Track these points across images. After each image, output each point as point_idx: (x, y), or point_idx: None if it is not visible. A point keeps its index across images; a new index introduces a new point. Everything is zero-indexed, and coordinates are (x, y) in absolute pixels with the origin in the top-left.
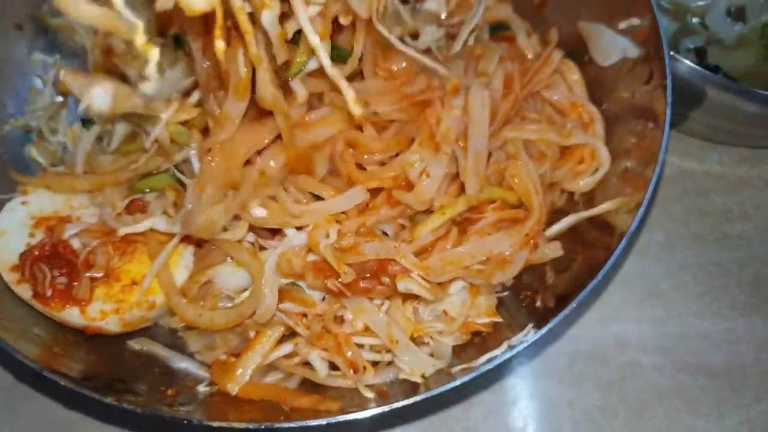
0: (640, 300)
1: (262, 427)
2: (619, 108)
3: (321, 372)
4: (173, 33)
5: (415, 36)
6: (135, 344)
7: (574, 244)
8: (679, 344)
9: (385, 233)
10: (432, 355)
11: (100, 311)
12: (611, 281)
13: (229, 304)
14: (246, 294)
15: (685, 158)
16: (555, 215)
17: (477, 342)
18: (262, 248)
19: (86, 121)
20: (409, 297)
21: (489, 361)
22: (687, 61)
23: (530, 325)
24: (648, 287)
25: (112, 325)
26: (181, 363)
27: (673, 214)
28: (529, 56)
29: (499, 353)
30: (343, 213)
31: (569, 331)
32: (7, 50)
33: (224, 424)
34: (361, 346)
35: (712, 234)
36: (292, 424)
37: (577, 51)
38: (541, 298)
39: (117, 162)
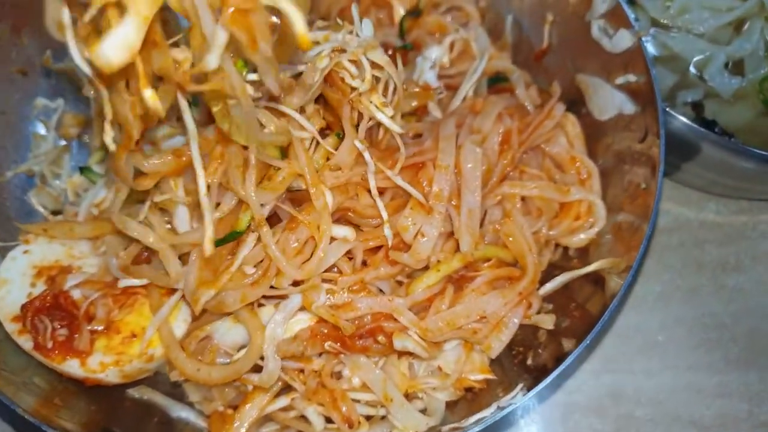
0: (636, 352)
1: None
2: (614, 163)
3: (317, 426)
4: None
5: None
6: (135, 392)
7: (566, 300)
8: (672, 397)
9: (381, 291)
10: (425, 410)
11: (100, 363)
12: (607, 333)
13: (227, 360)
14: (243, 351)
15: (682, 207)
16: (549, 269)
17: (469, 398)
18: (260, 305)
19: (84, 169)
20: (404, 353)
21: (478, 422)
22: (683, 118)
23: (520, 386)
24: (643, 339)
25: (111, 376)
26: (181, 412)
27: (670, 265)
28: (529, 108)
29: (489, 414)
30: (338, 272)
31: (565, 382)
32: (10, 96)
33: None
34: (356, 401)
35: (708, 286)
36: None
37: (574, 104)
38: (532, 356)
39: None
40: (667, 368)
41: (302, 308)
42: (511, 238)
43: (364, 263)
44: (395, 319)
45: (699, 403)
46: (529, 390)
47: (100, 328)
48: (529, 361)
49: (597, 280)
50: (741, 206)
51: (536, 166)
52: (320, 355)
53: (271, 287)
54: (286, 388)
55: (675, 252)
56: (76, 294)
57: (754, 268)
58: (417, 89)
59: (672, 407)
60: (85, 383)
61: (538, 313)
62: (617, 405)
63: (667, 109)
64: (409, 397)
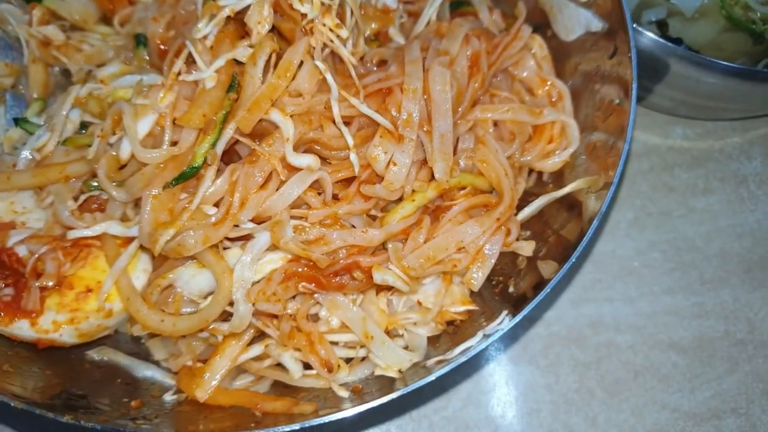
0: (613, 279)
1: None
2: (584, 83)
3: (295, 373)
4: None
5: None
6: (95, 354)
7: (543, 227)
8: (650, 322)
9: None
10: (407, 347)
11: (53, 322)
12: (583, 261)
13: (194, 309)
14: (211, 299)
15: (649, 133)
16: (524, 197)
17: (451, 331)
18: (225, 248)
19: (20, 120)
20: (382, 289)
21: (464, 351)
22: (650, 34)
23: (504, 313)
24: (620, 266)
25: (66, 336)
26: (146, 371)
27: (641, 191)
28: (494, 32)
29: (475, 343)
30: (308, 207)
31: (544, 314)
32: None
33: None
34: (334, 343)
35: (679, 209)
36: (265, 431)
37: (539, 27)
38: (513, 284)
39: (67, 154)
40: (644, 293)
41: (272, 248)
42: (485, 164)
43: (336, 198)
44: (372, 254)
45: (677, 325)
46: (513, 316)
47: (51, 284)
48: (511, 289)
49: (573, 204)
50: (707, 129)
51: (506, 89)
52: (294, 297)
53: (235, 227)
54: (260, 336)
55: (645, 177)
56: (21, 251)
57: (722, 189)
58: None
59: (651, 332)
60: (37, 346)
61: (517, 240)
62: (597, 333)
63: (635, 26)
64: (389, 334)
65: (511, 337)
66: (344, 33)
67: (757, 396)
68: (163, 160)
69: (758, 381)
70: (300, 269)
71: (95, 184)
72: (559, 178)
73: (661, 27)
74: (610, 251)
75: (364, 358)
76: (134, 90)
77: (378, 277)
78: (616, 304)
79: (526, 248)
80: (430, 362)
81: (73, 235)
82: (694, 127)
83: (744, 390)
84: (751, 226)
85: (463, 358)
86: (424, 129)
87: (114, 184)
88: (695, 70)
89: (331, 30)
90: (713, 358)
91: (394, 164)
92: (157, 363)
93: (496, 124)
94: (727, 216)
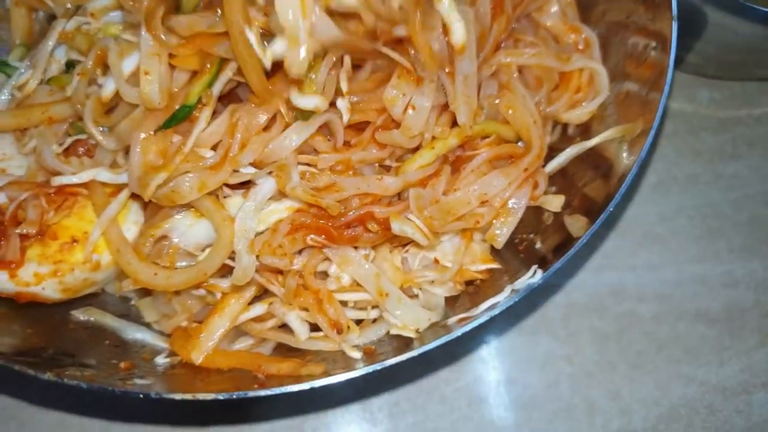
0: (636, 246)
1: (234, 396)
2: (613, 31)
3: (301, 334)
4: None
5: None
6: (80, 314)
7: (570, 184)
8: (676, 291)
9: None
10: (423, 307)
11: (35, 274)
12: (605, 227)
13: (189, 262)
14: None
15: (674, 96)
16: (548, 152)
17: (471, 291)
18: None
19: (0, 63)
20: (396, 246)
21: (490, 308)
22: None
23: (535, 267)
24: (643, 232)
25: (49, 290)
26: (136, 333)
27: (665, 154)
28: None
29: (502, 299)
30: (316, 153)
31: (563, 282)
32: None
33: (188, 396)
34: (344, 303)
35: (706, 175)
36: (269, 392)
37: None
38: (541, 240)
39: (51, 94)
40: (669, 261)
41: (277, 196)
42: (511, 111)
43: (348, 144)
44: (387, 204)
45: (705, 295)
46: (544, 272)
47: (32, 231)
48: (538, 245)
49: (600, 161)
50: (734, 91)
51: (531, 35)
52: (301, 252)
53: (236, 171)
54: (262, 295)
55: (668, 140)
56: (0, 198)
57: (750, 154)
58: None
59: (677, 302)
60: (17, 300)
61: (545, 194)
62: (619, 303)
63: None
64: (404, 293)
65: (528, 306)
66: None
67: None
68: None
69: None
70: (308, 220)
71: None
72: (585, 131)
73: None
74: (632, 217)
75: (375, 320)
76: (123, 26)
77: (396, 227)
78: (639, 272)
79: (555, 202)
80: (452, 321)
81: (58, 181)
82: (721, 90)
83: None
84: None
85: (488, 315)
86: (446, 71)
87: (101, 129)
88: (734, 18)
89: None
90: (743, 330)
91: (413, 108)
92: (147, 325)
93: (520, 70)
94: (756, 182)
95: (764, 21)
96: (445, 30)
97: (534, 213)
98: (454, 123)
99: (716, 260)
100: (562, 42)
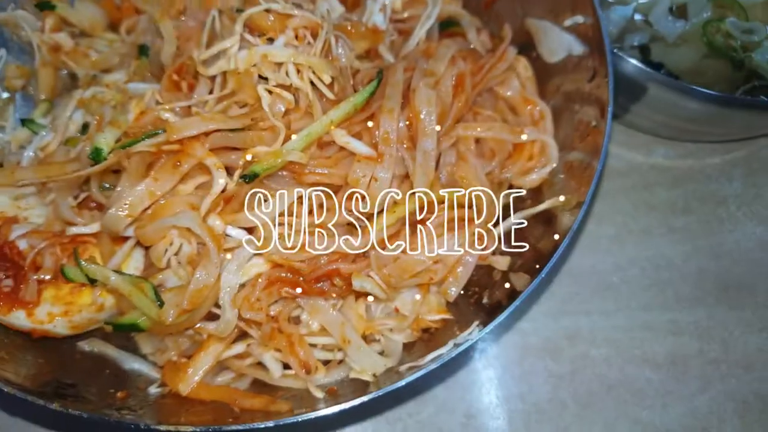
0: (592, 293)
1: (210, 429)
2: (565, 104)
3: (274, 372)
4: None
5: None
6: (86, 345)
7: (519, 240)
8: (626, 336)
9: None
10: (383, 352)
11: (48, 314)
12: (562, 274)
13: None
14: None
15: (632, 151)
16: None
17: (426, 338)
18: None
19: (27, 121)
20: (361, 295)
21: (435, 359)
22: (631, 60)
23: (475, 323)
24: (598, 280)
25: (60, 327)
26: (134, 364)
27: (622, 207)
28: (481, 52)
29: (445, 351)
30: (290, 215)
31: (521, 324)
32: None
33: (171, 428)
34: (313, 345)
35: (659, 228)
36: (240, 427)
37: (524, 47)
38: (488, 295)
39: (68, 154)
40: (621, 308)
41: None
42: (465, 180)
43: (321, 207)
44: (352, 261)
45: (652, 341)
46: (484, 326)
47: (48, 277)
48: (485, 300)
49: (550, 219)
50: (688, 149)
51: (490, 108)
52: (277, 300)
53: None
54: (242, 335)
55: (626, 195)
56: (22, 244)
57: (701, 209)
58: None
59: (626, 346)
60: (32, 335)
61: (493, 254)
62: (573, 346)
63: (616, 51)
64: (366, 339)
65: (488, 345)
66: (326, 78)
67: (729, 415)
68: None
69: (730, 400)
70: (283, 274)
71: None
72: (537, 193)
73: (644, 51)
74: (590, 266)
75: (341, 361)
76: (118, 98)
77: (357, 284)
78: (593, 318)
79: (502, 262)
80: (403, 368)
81: (72, 231)
82: (675, 147)
83: (716, 409)
84: (730, 247)
85: (434, 365)
86: (405, 146)
87: (107, 186)
88: (675, 95)
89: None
90: (686, 375)
91: (375, 180)
92: (144, 356)
93: (478, 140)
94: (705, 236)
95: (704, 99)
96: (411, 110)
97: (485, 269)
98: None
99: (664, 308)
100: (519, 113)
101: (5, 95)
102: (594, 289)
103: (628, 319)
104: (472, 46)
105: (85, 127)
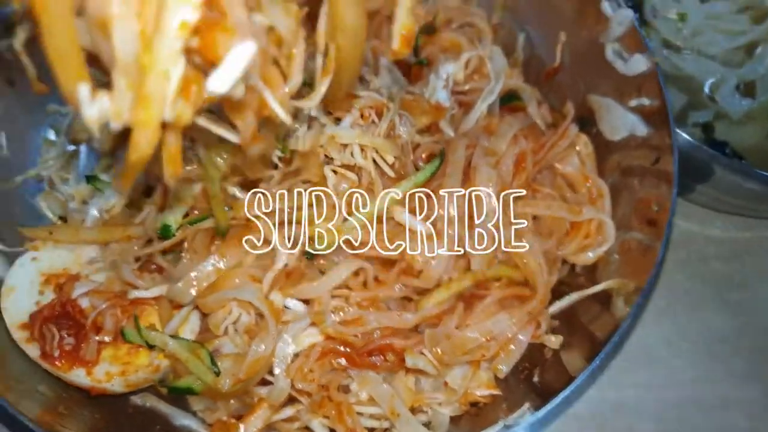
0: (639, 366)
1: None
2: (624, 182)
3: None
4: None
5: None
6: (138, 400)
7: (573, 319)
8: (674, 411)
9: (388, 307)
10: (429, 423)
11: (106, 373)
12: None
13: None
14: None
15: (688, 222)
16: (556, 285)
17: (473, 412)
18: None
19: (91, 177)
20: (412, 369)
21: None
22: (693, 140)
23: (526, 406)
24: (647, 353)
25: (117, 386)
26: (184, 420)
27: (675, 280)
28: (541, 128)
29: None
30: (347, 288)
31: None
32: (22, 102)
33: None
34: (360, 413)
35: (713, 302)
36: None
37: (584, 122)
38: (538, 374)
39: (131, 217)
40: (670, 383)
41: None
42: (524, 259)
43: (376, 279)
44: (405, 336)
45: (700, 417)
46: (536, 410)
47: (108, 339)
48: (535, 378)
49: (604, 299)
50: (747, 223)
51: (548, 184)
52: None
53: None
54: (291, 399)
55: (680, 267)
56: (83, 303)
57: (758, 284)
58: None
59: (673, 422)
60: (90, 392)
61: (546, 333)
62: (618, 418)
63: (678, 131)
64: (414, 410)
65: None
66: (390, 159)
67: None
68: None
69: None
70: (336, 347)
71: None
72: (592, 270)
73: (707, 129)
74: (638, 339)
75: (386, 429)
76: None
77: (410, 362)
78: (640, 390)
79: (554, 342)
80: None
81: (133, 296)
82: (733, 220)
83: None
84: None
85: None
86: (464, 225)
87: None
88: (738, 176)
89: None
90: None
91: (432, 258)
92: (194, 413)
93: (535, 217)
94: (761, 312)
95: (765, 182)
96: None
97: (537, 346)
98: (470, 265)
99: (715, 384)
100: (577, 190)
101: (71, 148)
102: (642, 361)
103: (676, 393)
104: (533, 121)
105: (148, 189)
